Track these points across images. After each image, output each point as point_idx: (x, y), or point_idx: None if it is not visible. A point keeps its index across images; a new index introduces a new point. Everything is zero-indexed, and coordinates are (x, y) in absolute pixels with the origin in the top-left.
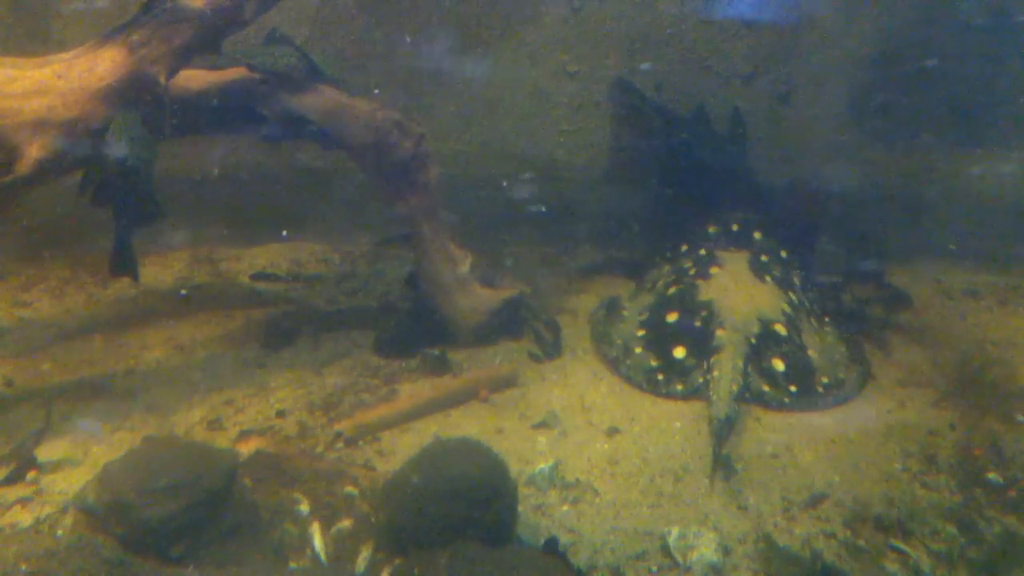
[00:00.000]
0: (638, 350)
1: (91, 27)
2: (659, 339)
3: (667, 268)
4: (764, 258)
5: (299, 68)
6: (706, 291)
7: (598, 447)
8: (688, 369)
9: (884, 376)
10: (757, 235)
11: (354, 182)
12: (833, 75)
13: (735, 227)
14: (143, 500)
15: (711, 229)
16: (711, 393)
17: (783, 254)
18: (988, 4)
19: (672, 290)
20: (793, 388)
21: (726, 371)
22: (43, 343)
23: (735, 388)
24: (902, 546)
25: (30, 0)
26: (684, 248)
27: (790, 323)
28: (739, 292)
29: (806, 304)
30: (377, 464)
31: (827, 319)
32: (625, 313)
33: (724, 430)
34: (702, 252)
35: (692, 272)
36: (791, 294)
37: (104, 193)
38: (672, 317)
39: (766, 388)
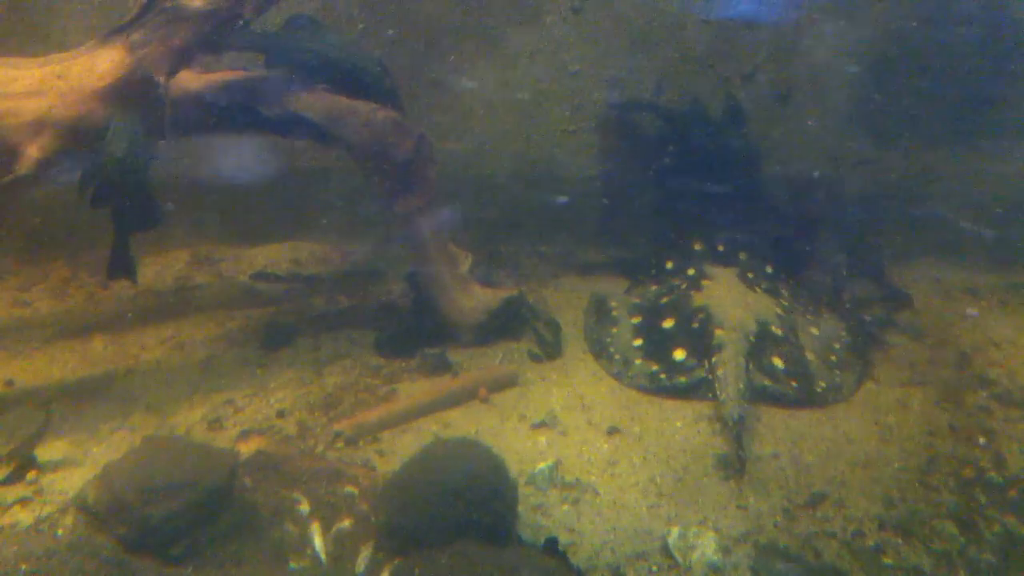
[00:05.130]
0: (638, 361)
1: (91, 27)
2: (657, 346)
3: (654, 288)
4: (750, 275)
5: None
6: (699, 299)
7: (598, 447)
8: (690, 368)
9: (884, 375)
10: (743, 256)
11: (354, 182)
12: (833, 75)
13: (720, 248)
14: (143, 500)
15: (696, 247)
16: (719, 393)
17: (768, 269)
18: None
19: (665, 299)
20: (795, 383)
21: (731, 369)
22: (43, 343)
23: (741, 385)
24: None
25: (30, 0)
26: (669, 265)
27: (785, 324)
28: (733, 297)
29: (798, 307)
30: (377, 464)
31: (824, 315)
32: (615, 329)
33: (741, 428)
34: (691, 272)
35: (683, 287)
36: (782, 301)
37: (102, 194)
38: (669, 323)
39: (768, 384)
